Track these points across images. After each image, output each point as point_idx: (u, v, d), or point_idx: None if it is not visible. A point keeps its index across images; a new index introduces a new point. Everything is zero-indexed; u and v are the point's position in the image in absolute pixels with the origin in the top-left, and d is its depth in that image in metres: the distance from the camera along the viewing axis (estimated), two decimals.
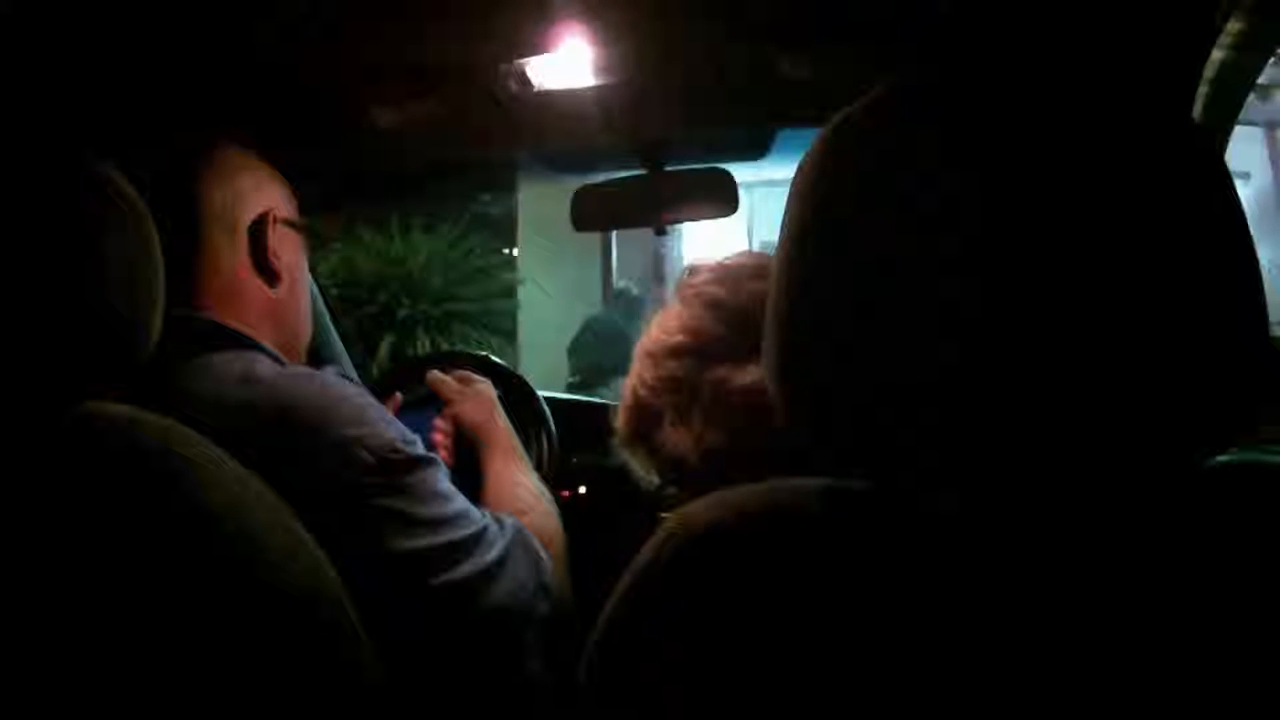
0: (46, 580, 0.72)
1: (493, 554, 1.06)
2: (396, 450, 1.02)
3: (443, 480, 1.07)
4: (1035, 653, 0.54)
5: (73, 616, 0.71)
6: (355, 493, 0.98)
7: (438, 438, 1.47)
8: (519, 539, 1.11)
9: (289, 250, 1.23)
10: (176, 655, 0.73)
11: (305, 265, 1.30)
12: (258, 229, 1.18)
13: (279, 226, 1.21)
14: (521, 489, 1.34)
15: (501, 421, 1.50)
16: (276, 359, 1.13)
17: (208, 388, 1.01)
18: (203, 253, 1.14)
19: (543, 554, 1.14)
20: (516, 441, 1.48)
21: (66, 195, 0.76)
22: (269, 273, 1.19)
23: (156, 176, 1.00)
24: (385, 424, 1.04)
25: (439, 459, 1.10)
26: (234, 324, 1.12)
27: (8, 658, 0.70)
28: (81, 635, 0.71)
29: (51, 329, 0.73)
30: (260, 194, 1.21)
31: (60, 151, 0.77)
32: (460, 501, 1.08)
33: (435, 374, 1.57)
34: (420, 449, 1.06)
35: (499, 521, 1.11)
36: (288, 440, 0.97)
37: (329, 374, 1.09)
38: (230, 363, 1.06)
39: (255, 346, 1.12)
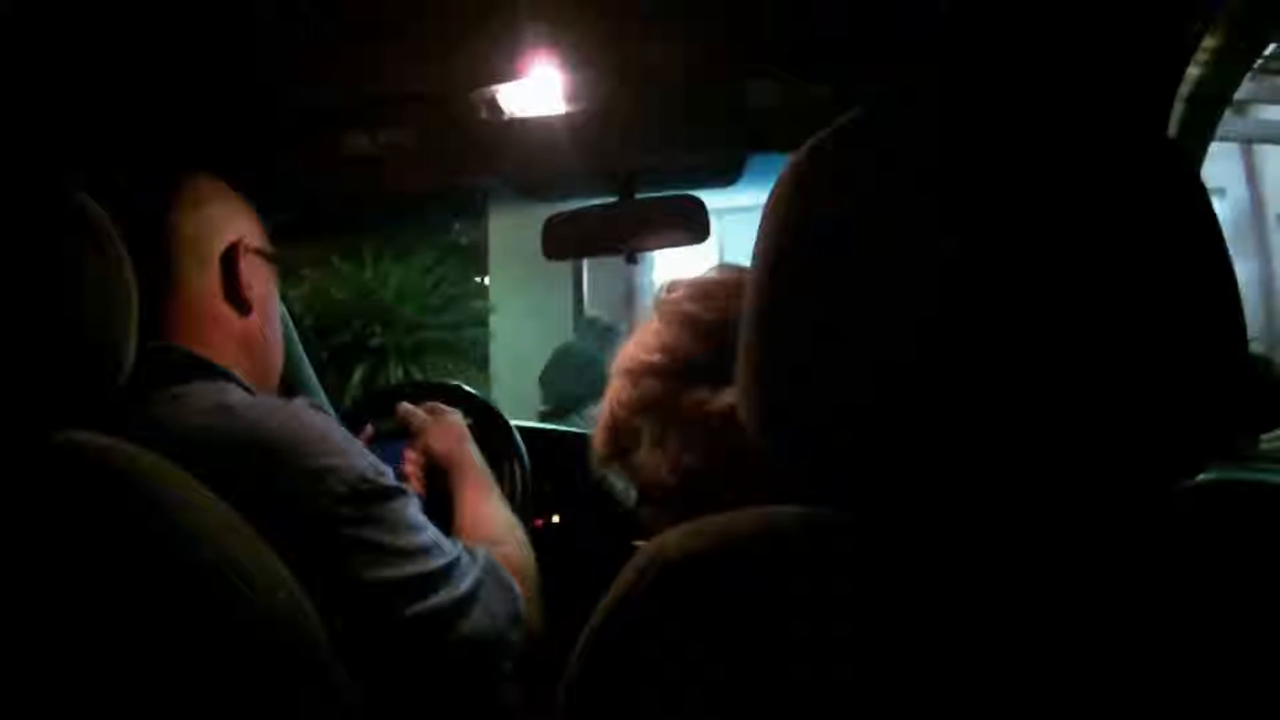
0: (16, 609, 0.70)
1: (465, 585, 1.05)
2: (368, 480, 1.01)
3: (414, 511, 1.07)
4: (1019, 678, 0.54)
5: (41, 645, 0.70)
6: (327, 522, 0.97)
7: (408, 469, 1.47)
8: (491, 570, 1.11)
9: (260, 280, 1.23)
10: (147, 684, 0.72)
11: (276, 295, 1.30)
12: (229, 259, 1.18)
13: (250, 256, 1.21)
14: (493, 520, 1.34)
15: (472, 452, 1.50)
16: (248, 389, 1.12)
17: (179, 418, 1.01)
18: (174, 283, 1.14)
19: (515, 586, 1.14)
20: (487, 472, 1.48)
21: (39, 221, 0.75)
22: (240, 303, 1.18)
23: (127, 207, 1.00)
24: (357, 454, 1.04)
25: (411, 490, 1.09)
26: (205, 354, 1.11)
27: None
28: (49, 664, 0.70)
29: (23, 356, 0.73)
30: (230, 223, 1.21)
31: (33, 177, 0.77)
32: (432, 532, 1.07)
33: (405, 406, 1.58)
34: (391, 479, 1.06)
35: (471, 553, 1.11)
36: (259, 470, 0.96)
37: (300, 404, 1.09)
38: (202, 393, 1.05)
39: (226, 376, 1.11)
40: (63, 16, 1.09)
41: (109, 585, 0.72)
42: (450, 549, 1.08)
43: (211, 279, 1.17)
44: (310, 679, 0.82)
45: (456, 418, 1.57)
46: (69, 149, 1.29)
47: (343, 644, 0.86)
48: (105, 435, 0.79)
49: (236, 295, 1.18)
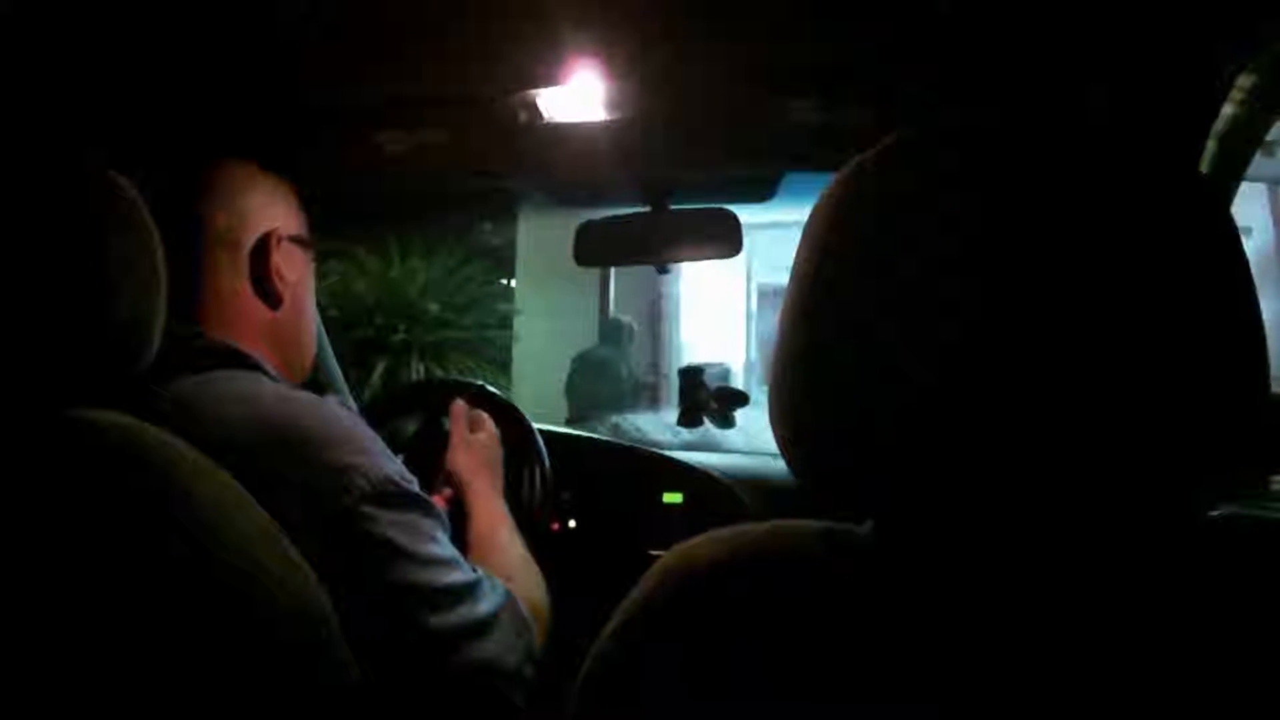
0: (31, 586, 0.71)
1: (483, 608, 1.04)
2: (393, 483, 1.01)
3: (439, 526, 1.05)
4: (1031, 696, 0.54)
5: (54, 621, 0.70)
6: (347, 519, 0.96)
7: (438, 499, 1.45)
8: (509, 603, 1.09)
9: (294, 268, 1.22)
10: (157, 666, 0.72)
11: (310, 283, 1.29)
12: (261, 250, 1.18)
13: (284, 245, 1.20)
14: (511, 554, 1.32)
15: (497, 481, 1.48)
16: (276, 379, 1.12)
17: (205, 404, 1.00)
18: (204, 272, 1.14)
19: (532, 625, 1.12)
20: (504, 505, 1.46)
21: (69, 198, 0.75)
22: (271, 296, 1.18)
23: (160, 192, 1.00)
24: (383, 456, 1.03)
25: (439, 510, 1.08)
26: (235, 343, 1.11)
27: None
28: (60, 641, 0.70)
29: (50, 332, 0.73)
30: (265, 213, 1.20)
31: (63, 155, 0.77)
32: (454, 551, 1.06)
33: (461, 405, 1.57)
34: (417, 488, 1.05)
35: (491, 580, 1.10)
36: (282, 461, 0.96)
37: (330, 401, 1.09)
38: (229, 380, 1.05)
39: (256, 367, 1.11)
40: (102, 9, 1.10)
41: (121, 563, 0.73)
42: (471, 571, 1.06)
43: (242, 270, 1.16)
44: (318, 664, 0.81)
45: (493, 441, 1.55)
46: (103, 129, 1.30)
47: (354, 638, 0.86)
48: (126, 415, 0.80)
49: (267, 288, 1.18)
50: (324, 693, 0.81)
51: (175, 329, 0.91)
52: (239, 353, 1.11)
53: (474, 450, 1.50)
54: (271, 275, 1.17)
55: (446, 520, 1.08)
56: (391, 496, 1.00)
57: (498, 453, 1.53)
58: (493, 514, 1.40)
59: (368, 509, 0.97)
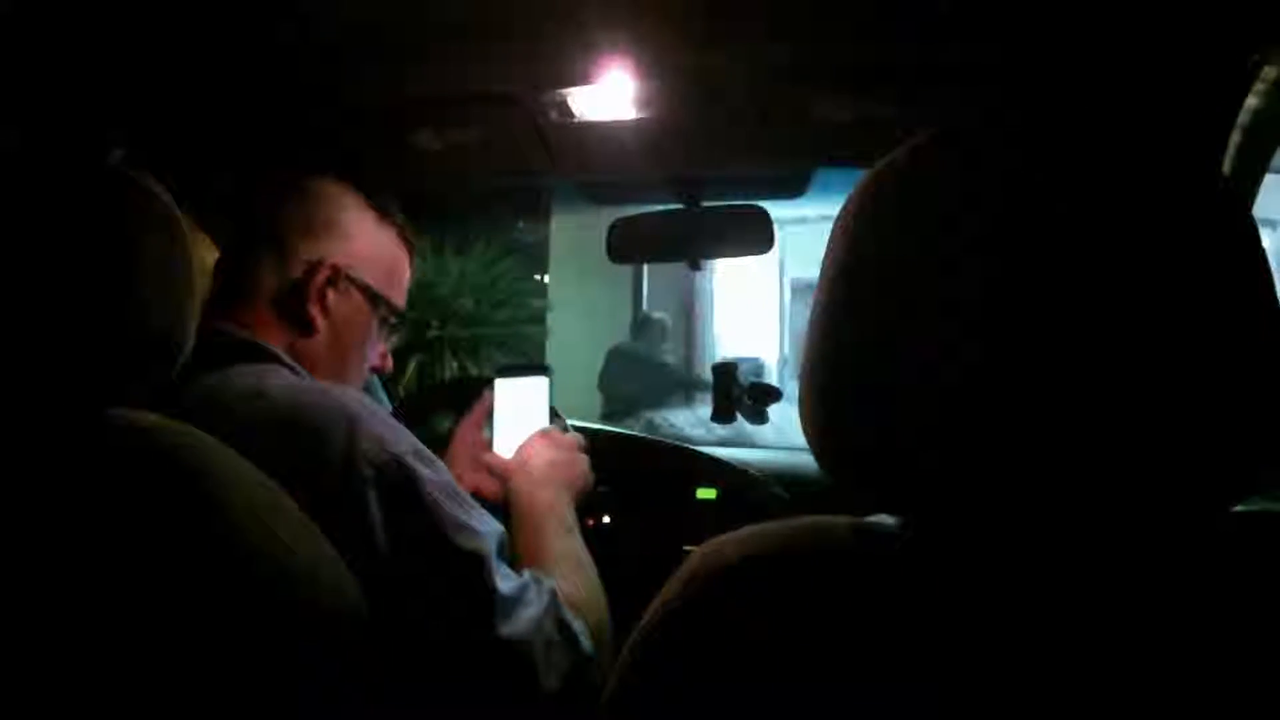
0: (62, 582, 0.72)
1: (515, 628, 0.98)
2: (402, 466, 0.98)
3: (460, 508, 1.01)
4: (1062, 694, 0.54)
5: (83, 616, 0.72)
6: (354, 504, 0.95)
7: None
8: (553, 608, 1.02)
9: (344, 307, 1.18)
10: (191, 660, 0.73)
11: (364, 330, 1.23)
12: (308, 275, 1.15)
13: (339, 283, 1.17)
14: (564, 557, 1.20)
15: (562, 499, 1.32)
16: (296, 369, 1.12)
17: (215, 400, 1.00)
18: (246, 277, 1.14)
19: (581, 637, 1.04)
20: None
21: (103, 200, 0.77)
22: (302, 318, 1.16)
23: (220, 199, 1.01)
24: (394, 440, 1.00)
25: (467, 498, 1.04)
26: (255, 335, 1.12)
27: (26, 653, 0.70)
28: (89, 635, 0.71)
29: (82, 333, 0.74)
30: (324, 241, 1.17)
31: (96, 157, 0.78)
32: (486, 545, 1.00)
33: (565, 434, 1.47)
34: (435, 472, 1.02)
35: (539, 581, 1.04)
36: (289, 450, 0.94)
37: (341, 389, 1.06)
38: (242, 375, 1.05)
39: (273, 358, 1.11)
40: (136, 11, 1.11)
41: (150, 561, 0.74)
42: (507, 571, 1.01)
43: (283, 286, 1.15)
44: (346, 658, 0.82)
45: (574, 459, 1.41)
46: (136, 138, 1.31)
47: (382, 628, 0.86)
48: (153, 413, 0.81)
49: (301, 311, 1.15)
50: (352, 682, 0.82)
51: (203, 328, 0.91)
52: (255, 346, 1.10)
53: (553, 466, 1.36)
54: (310, 301, 1.15)
55: (476, 513, 1.03)
56: (397, 480, 0.97)
57: (573, 475, 1.39)
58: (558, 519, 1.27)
59: (372, 494, 0.95)
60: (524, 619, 0.98)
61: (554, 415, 1.54)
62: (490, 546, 1.00)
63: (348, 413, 1.00)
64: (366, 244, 1.21)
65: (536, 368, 1.56)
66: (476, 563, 0.98)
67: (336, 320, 1.18)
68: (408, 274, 1.29)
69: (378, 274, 1.22)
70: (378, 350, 1.28)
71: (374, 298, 1.22)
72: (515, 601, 0.99)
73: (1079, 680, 0.54)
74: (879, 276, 0.57)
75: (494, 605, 0.97)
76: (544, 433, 1.43)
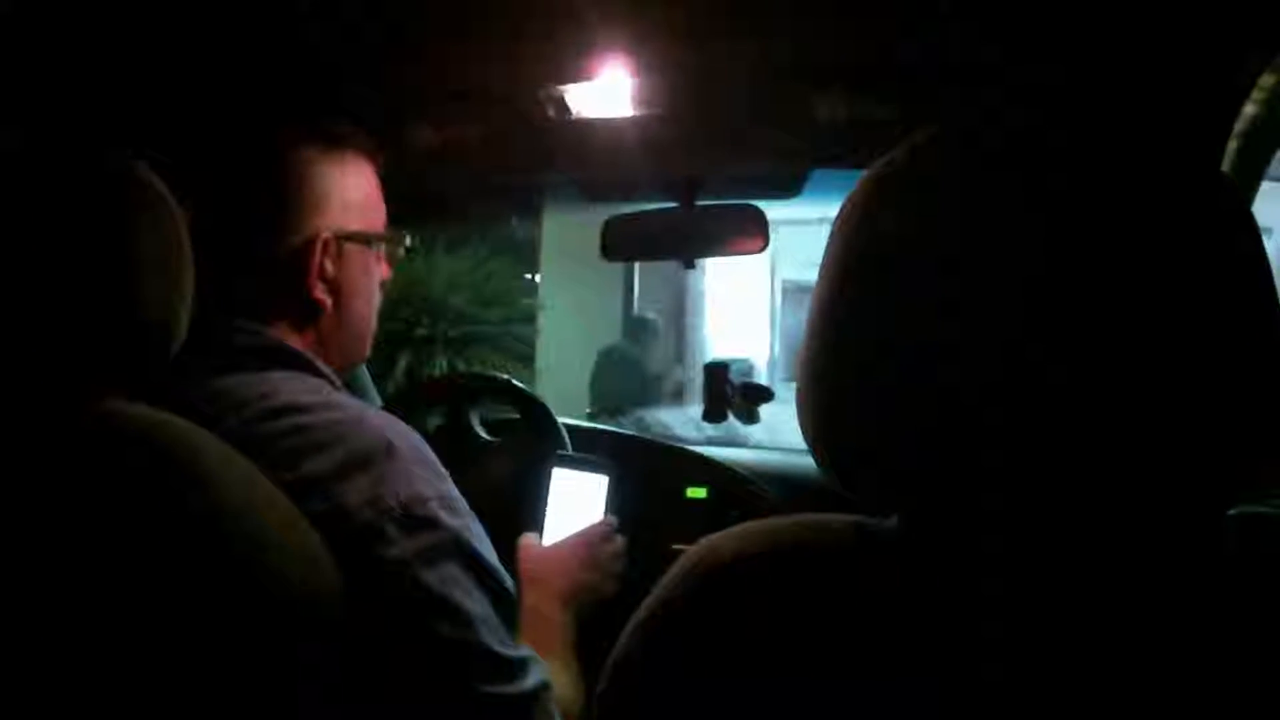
0: (54, 574, 0.72)
1: (528, 683, 0.95)
2: (423, 508, 0.94)
3: (478, 568, 0.96)
4: (1058, 694, 0.54)
5: (73, 607, 0.72)
6: (370, 536, 0.90)
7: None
8: (546, 693, 0.99)
9: (351, 269, 1.13)
10: (181, 650, 0.73)
11: (372, 281, 1.19)
12: (305, 252, 1.09)
13: (341, 246, 1.11)
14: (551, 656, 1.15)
15: (566, 598, 1.32)
16: (329, 376, 1.07)
17: (245, 406, 0.96)
18: (248, 260, 1.08)
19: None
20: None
21: (95, 190, 0.76)
22: (310, 300, 1.09)
23: (211, 176, 0.99)
24: (424, 480, 0.96)
25: (490, 555, 0.99)
26: (277, 336, 1.06)
27: (17, 647, 0.70)
28: (80, 625, 0.72)
29: (75, 324, 0.74)
30: (318, 211, 1.10)
31: (89, 148, 0.78)
32: (495, 614, 0.96)
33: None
34: (464, 526, 0.97)
35: (539, 663, 0.99)
36: (312, 471, 0.91)
37: (381, 414, 1.03)
38: (274, 384, 1.00)
39: (306, 366, 1.06)
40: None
41: (140, 551, 0.74)
42: (514, 644, 0.96)
43: (286, 265, 1.08)
44: (320, 662, 0.82)
45: (601, 571, 1.40)
46: (135, 132, 1.31)
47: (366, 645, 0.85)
48: (154, 408, 0.81)
49: (305, 290, 1.09)
50: (324, 677, 0.82)
51: (217, 324, 0.90)
52: (288, 351, 1.05)
53: (568, 579, 1.35)
54: (312, 281, 1.09)
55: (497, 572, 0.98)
56: (418, 521, 0.92)
57: (590, 585, 1.37)
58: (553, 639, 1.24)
59: (390, 530, 0.90)
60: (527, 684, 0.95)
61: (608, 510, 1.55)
62: (515, 647, 0.97)
63: (382, 441, 0.96)
64: (342, 190, 1.13)
65: (598, 462, 1.58)
66: (489, 651, 0.93)
67: (344, 286, 1.12)
68: (377, 182, 1.20)
69: (364, 211, 1.16)
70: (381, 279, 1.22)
71: (367, 240, 1.15)
72: (517, 664, 0.95)
73: (1076, 679, 0.54)
74: (878, 276, 0.57)
75: (493, 663, 0.93)
76: (582, 537, 1.44)
